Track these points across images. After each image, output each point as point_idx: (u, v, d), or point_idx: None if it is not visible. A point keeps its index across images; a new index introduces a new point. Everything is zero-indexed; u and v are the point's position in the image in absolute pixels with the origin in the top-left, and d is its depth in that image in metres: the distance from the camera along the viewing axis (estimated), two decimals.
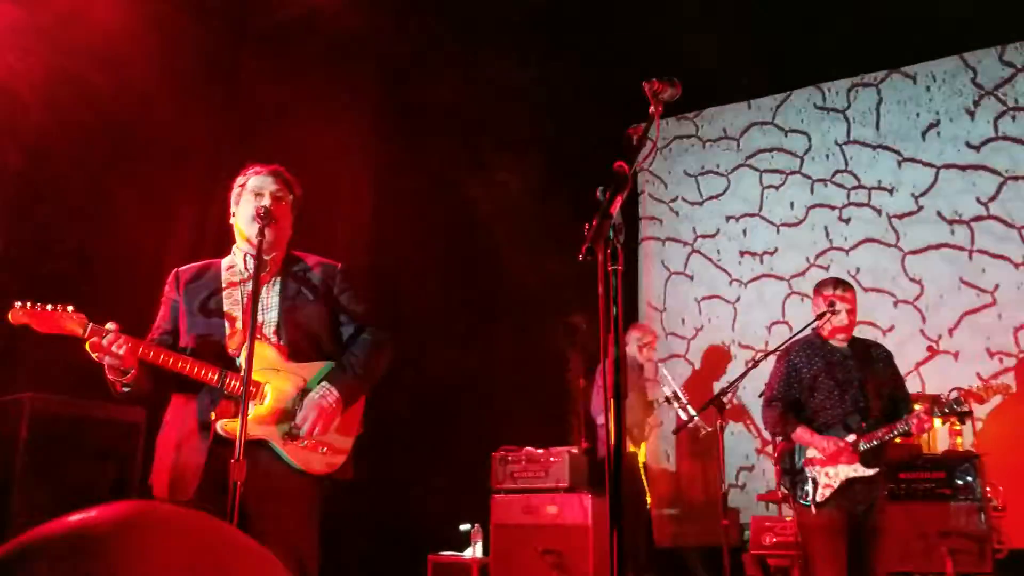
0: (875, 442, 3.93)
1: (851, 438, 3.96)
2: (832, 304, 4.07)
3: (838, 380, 4.06)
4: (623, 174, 1.78)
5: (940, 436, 5.13)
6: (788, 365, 4.19)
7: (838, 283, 4.18)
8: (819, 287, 4.24)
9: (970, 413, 5.05)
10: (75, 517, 0.66)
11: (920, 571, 4.62)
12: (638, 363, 6.14)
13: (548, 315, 6.51)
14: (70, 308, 2.74)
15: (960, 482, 4.76)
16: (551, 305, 6.40)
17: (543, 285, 6.40)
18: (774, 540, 5.11)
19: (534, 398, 6.54)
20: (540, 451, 5.75)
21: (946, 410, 3.86)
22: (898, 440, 5.19)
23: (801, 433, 4.07)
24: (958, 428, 5.06)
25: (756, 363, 4.68)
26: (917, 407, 3.95)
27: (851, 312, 4.11)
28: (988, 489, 4.84)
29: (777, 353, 4.33)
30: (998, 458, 5.02)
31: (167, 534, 0.65)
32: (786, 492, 4.12)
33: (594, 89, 6.70)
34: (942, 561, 4.64)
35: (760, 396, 4.32)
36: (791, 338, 4.32)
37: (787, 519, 5.13)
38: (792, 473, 4.08)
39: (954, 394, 3.91)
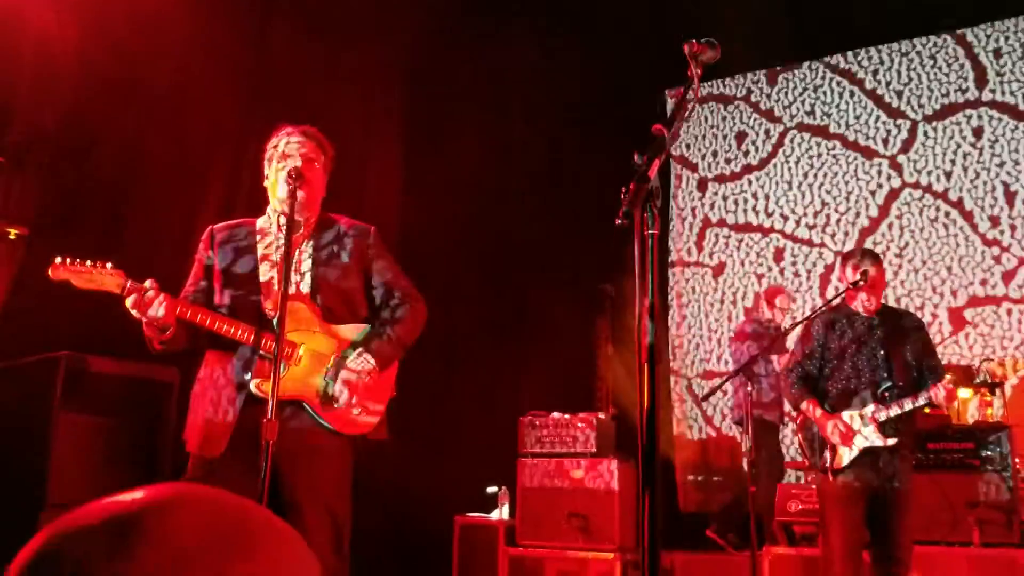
0: (896, 412, 3.90)
1: (870, 408, 3.94)
2: (864, 274, 4.04)
3: (862, 350, 4.04)
4: (661, 137, 1.77)
5: (970, 407, 5.09)
6: (811, 335, 4.18)
7: (866, 254, 4.15)
8: (847, 257, 4.21)
9: (1000, 384, 5.02)
10: (108, 502, 0.67)
11: (947, 541, 4.61)
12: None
13: (579, 281, 6.51)
14: (109, 265, 2.76)
15: (989, 453, 4.73)
16: (581, 270, 6.39)
17: (574, 250, 6.39)
18: (799, 507, 5.12)
19: (563, 363, 6.56)
20: (567, 416, 5.78)
21: (975, 382, 3.85)
22: (927, 411, 5.17)
23: (807, 408, 4.09)
24: (988, 399, 5.02)
25: (787, 332, 4.66)
26: (949, 377, 3.91)
27: (878, 282, 4.08)
28: (1017, 460, 4.81)
29: (803, 323, 4.32)
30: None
31: (190, 515, 0.65)
32: (806, 459, 4.14)
33: (628, 57, 6.62)
34: (969, 532, 4.64)
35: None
36: (821, 308, 4.30)
37: (813, 487, 5.13)
38: (811, 440, 4.09)
39: (983, 366, 3.91)
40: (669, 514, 6.57)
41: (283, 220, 2.96)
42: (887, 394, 3.95)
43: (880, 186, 7.03)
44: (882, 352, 4.03)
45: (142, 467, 4.93)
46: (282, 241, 2.93)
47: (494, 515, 5.86)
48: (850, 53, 7.16)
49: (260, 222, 3.12)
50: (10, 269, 5.17)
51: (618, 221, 1.56)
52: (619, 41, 6.74)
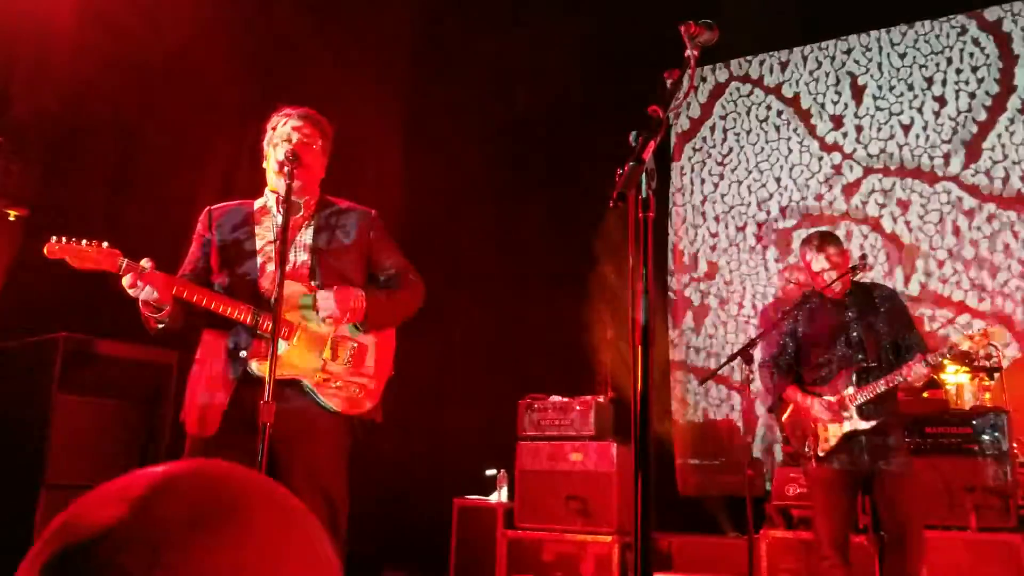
0: (871, 394, 3.85)
1: (850, 391, 3.91)
2: (829, 260, 4.01)
3: (835, 333, 4.01)
4: (657, 118, 1.76)
5: (967, 391, 5.08)
6: (785, 324, 4.18)
7: (825, 238, 4.08)
8: (806, 242, 4.13)
9: (999, 369, 5.01)
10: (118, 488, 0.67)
11: (944, 525, 4.62)
12: None
13: (580, 263, 6.50)
14: (105, 244, 2.75)
15: (986, 437, 4.73)
16: (581, 253, 6.38)
17: (576, 232, 6.38)
18: (796, 491, 5.13)
19: (562, 346, 6.56)
20: (566, 399, 5.79)
21: (937, 359, 3.79)
22: (925, 394, 5.17)
23: (790, 393, 4.10)
24: (987, 384, 5.02)
25: (785, 315, 4.66)
26: (929, 352, 3.83)
27: (843, 263, 4.02)
28: (1015, 445, 4.81)
29: (780, 313, 4.32)
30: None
31: (175, 499, 0.65)
32: (791, 448, 4.14)
33: (632, 35, 6.58)
34: (966, 516, 4.64)
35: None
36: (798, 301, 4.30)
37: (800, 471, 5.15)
38: (794, 428, 4.09)
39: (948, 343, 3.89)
40: (668, 498, 6.59)
41: (281, 201, 2.96)
42: (863, 376, 3.92)
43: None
44: (854, 333, 3.99)
45: (141, 448, 4.95)
46: (280, 222, 2.93)
47: (493, 498, 5.88)
48: None
49: (258, 203, 3.12)
50: (10, 250, 5.17)
51: (612, 203, 1.56)
52: (624, 17, 6.70)
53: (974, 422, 4.79)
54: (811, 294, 4.23)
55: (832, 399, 3.96)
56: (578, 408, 5.72)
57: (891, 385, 3.85)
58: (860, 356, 3.96)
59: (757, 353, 4.33)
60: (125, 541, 0.62)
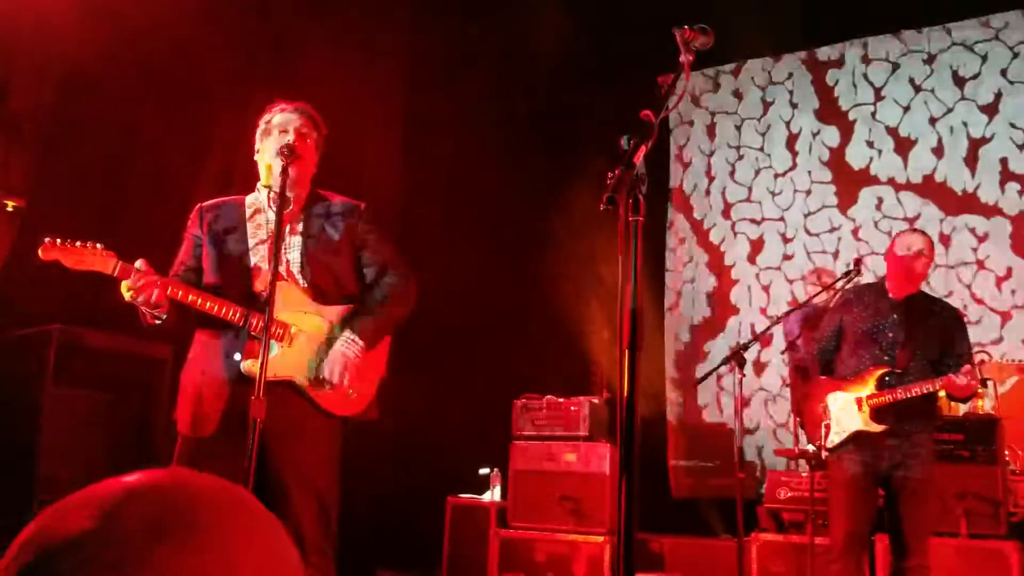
0: (892, 398, 3.83)
1: (867, 392, 3.90)
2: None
3: (876, 332, 3.98)
4: (649, 123, 1.76)
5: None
6: (837, 313, 4.17)
7: (914, 230, 4.06)
8: (899, 235, 4.10)
9: (992, 380, 5.01)
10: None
11: (936, 532, 4.63)
12: None
13: (575, 264, 6.50)
14: (99, 245, 2.75)
15: (979, 445, 4.74)
16: (579, 253, 6.38)
17: (572, 233, 6.38)
18: (788, 495, 5.14)
19: (558, 347, 6.57)
20: (561, 400, 5.79)
21: (963, 380, 3.75)
22: (953, 405, 5.14)
23: (820, 383, 4.11)
24: (980, 392, 5.03)
25: (778, 320, 4.67)
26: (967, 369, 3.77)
27: (925, 260, 3.97)
28: (1007, 453, 4.82)
29: (834, 301, 4.32)
30: (1019, 422, 4.99)
31: (137, 508, 0.66)
32: (808, 437, 4.14)
33: (630, 36, 6.59)
34: (957, 522, 4.65)
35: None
36: (843, 286, 4.29)
37: (803, 474, 5.15)
38: (812, 415, 4.10)
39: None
40: (661, 499, 6.60)
41: (274, 197, 2.95)
42: (887, 379, 3.90)
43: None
44: (891, 336, 3.96)
45: (134, 443, 4.95)
46: (272, 218, 2.92)
47: (486, 497, 5.89)
48: None
49: (250, 199, 3.11)
50: (6, 241, 5.17)
51: (602, 206, 1.56)
52: (631, 14, 6.69)
53: (966, 429, 4.80)
54: (866, 288, 4.20)
55: (850, 396, 3.95)
56: (573, 409, 5.73)
57: (911, 395, 3.78)
58: (888, 360, 3.93)
59: (796, 347, 4.31)
60: (90, 553, 0.62)
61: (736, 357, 4.23)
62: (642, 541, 5.74)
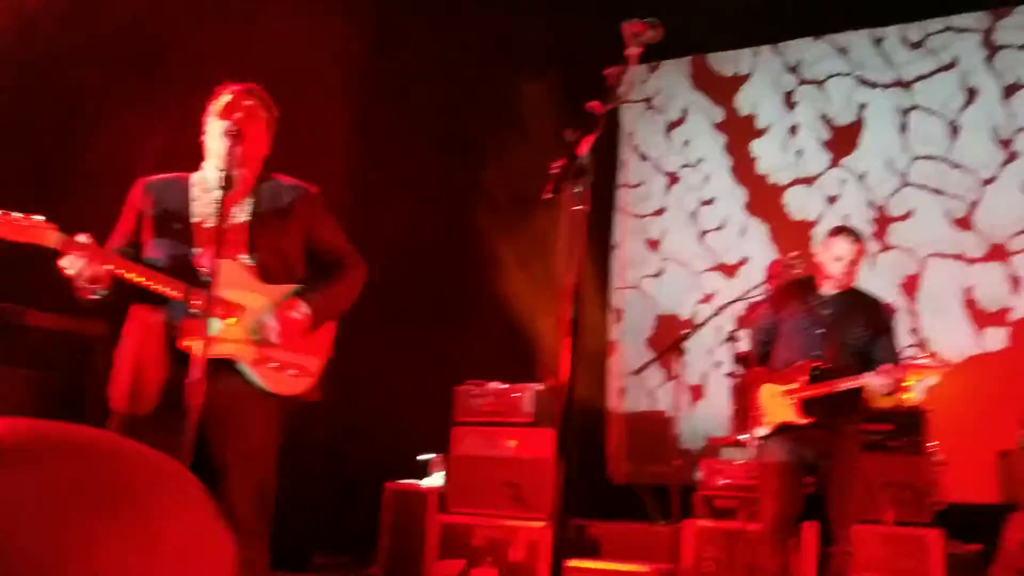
0: (818, 393, 3.94)
1: (795, 386, 4.01)
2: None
3: (805, 327, 4.10)
4: (595, 115, 1.79)
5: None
6: (772, 307, 4.29)
7: (840, 231, 4.17)
8: (829, 233, 4.20)
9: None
10: None
11: (861, 519, 4.78)
12: None
13: (524, 250, 6.51)
14: (40, 217, 2.68)
15: (906, 436, 4.91)
16: (528, 240, 6.39)
17: (519, 219, 6.38)
18: (722, 482, 5.26)
19: (505, 333, 6.58)
20: (505, 386, 5.80)
21: (890, 378, 3.88)
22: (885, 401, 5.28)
23: (754, 374, 4.22)
24: (905, 384, 5.18)
25: (721, 309, 4.76)
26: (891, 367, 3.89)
27: (849, 262, 4.06)
28: (931, 444, 4.99)
29: (770, 295, 4.40)
30: (942, 414, 5.16)
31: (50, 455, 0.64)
32: (737, 426, 4.25)
33: (581, 27, 6.62)
34: (883, 511, 4.82)
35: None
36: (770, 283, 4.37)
37: (737, 462, 5.27)
38: (742, 408, 4.21)
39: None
40: (600, 485, 6.69)
41: (220, 176, 2.90)
42: (815, 373, 4.00)
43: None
44: (821, 331, 4.06)
45: (68, 421, 4.84)
46: (217, 197, 2.89)
47: (426, 482, 5.90)
48: None
49: (196, 176, 3.06)
50: None
51: (546, 196, 1.58)
52: (572, 12, 6.73)
53: (895, 421, 4.96)
54: (799, 284, 4.31)
55: (780, 388, 4.05)
56: (517, 395, 5.74)
57: (837, 390, 3.91)
58: (817, 355, 4.03)
59: (744, 347, 4.39)
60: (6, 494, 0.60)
61: (674, 347, 4.31)
62: (579, 527, 5.80)
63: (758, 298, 4.92)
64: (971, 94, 6.52)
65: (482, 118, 7.13)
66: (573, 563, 4.81)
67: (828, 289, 4.13)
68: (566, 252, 1.69)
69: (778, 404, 4.03)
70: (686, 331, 4.44)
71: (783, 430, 4.02)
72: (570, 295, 1.70)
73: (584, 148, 1.74)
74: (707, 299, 7.00)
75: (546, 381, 6.00)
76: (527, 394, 5.72)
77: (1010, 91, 6.43)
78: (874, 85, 6.85)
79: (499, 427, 5.70)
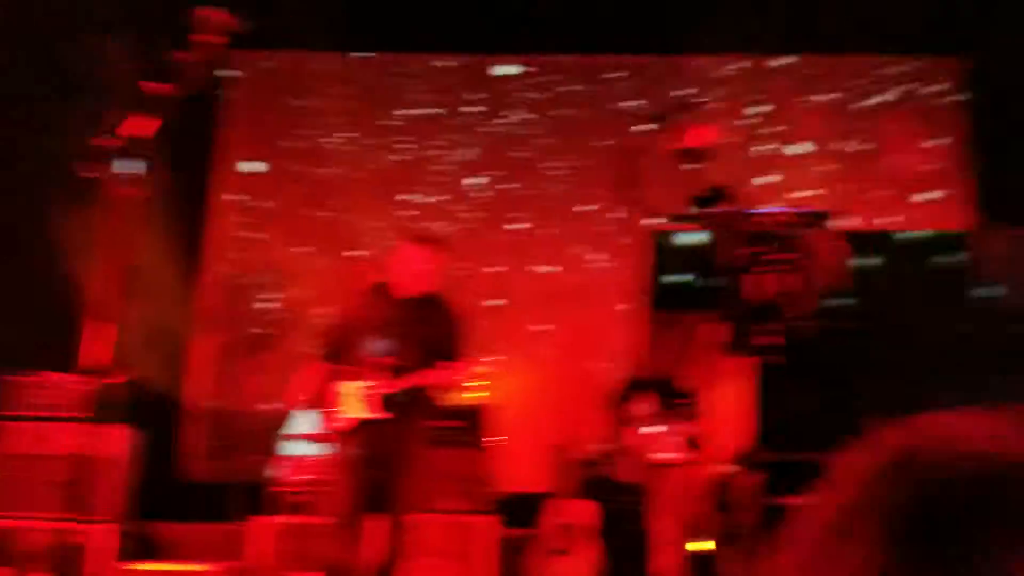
0: (390, 390, 4.17)
1: (372, 383, 4.20)
2: (417, 262, 4.32)
3: (382, 328, 4.30)
4: (155, 96, 1.72)
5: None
6: (349, 308, 4.43)
7: (415, 239, 4.38)
8: (407, 240, 4.43)
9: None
10: None
11: (424, 508, 5.12)
12: None
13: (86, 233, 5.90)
14: None
15: (471, 432, 5.38)
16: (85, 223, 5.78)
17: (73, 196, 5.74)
18: (294, 477, 5.34)
19: (62, 320, 5.88)
20: (66, 376, 5.29)
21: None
22: (462, 395, 5.64)
23: (335, 370, 4.32)
24: (472, 384, 5.64)
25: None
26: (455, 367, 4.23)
27: (421, 268, 4.32)
28: (499, 439, 5.52)
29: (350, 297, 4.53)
30: (513, 412, 5.70)
31: None
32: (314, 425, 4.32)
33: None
34: (451, 500, 5.23)
35: None
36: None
37: (310, 457, 5.35)
38: (318, 406, 4.32)
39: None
40: (175, 484, 6.39)
41: None
42: (389, 372, 4.22)
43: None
44: (398, 332, 4.27)
45: None
46: None
47: None
48: None
49: None
50: None
51: (80, 173, 1.48)
52: None
53: (464, 417, 5.39)
54: (375, 287, 4.44)
55: (355, 385, 4.20)
56: (77, 388, 5.25)
57: (407, 387, 4.17)
58: (391, 354, 4.22)
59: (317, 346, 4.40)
60: None
61: (258, 342, 4.27)
62: (149, 528, 5.53)
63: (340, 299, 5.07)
64: None
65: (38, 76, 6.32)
66: (132, 566, 4.55)
67: (401, 293, 4.39)
68: (113, 235, 1.60)
69: (354, 400, 4.19)
70: (268, 329, 4.41)
71: (359, 425, 4.19)
72: (119, 281, 1.61)
73: (143, 130, 1.66)
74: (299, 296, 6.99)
75: (118, 374, 5.57)
76: (92, 387, 5.23)
77: None
78: None
79: (56, 423, 5.18)
